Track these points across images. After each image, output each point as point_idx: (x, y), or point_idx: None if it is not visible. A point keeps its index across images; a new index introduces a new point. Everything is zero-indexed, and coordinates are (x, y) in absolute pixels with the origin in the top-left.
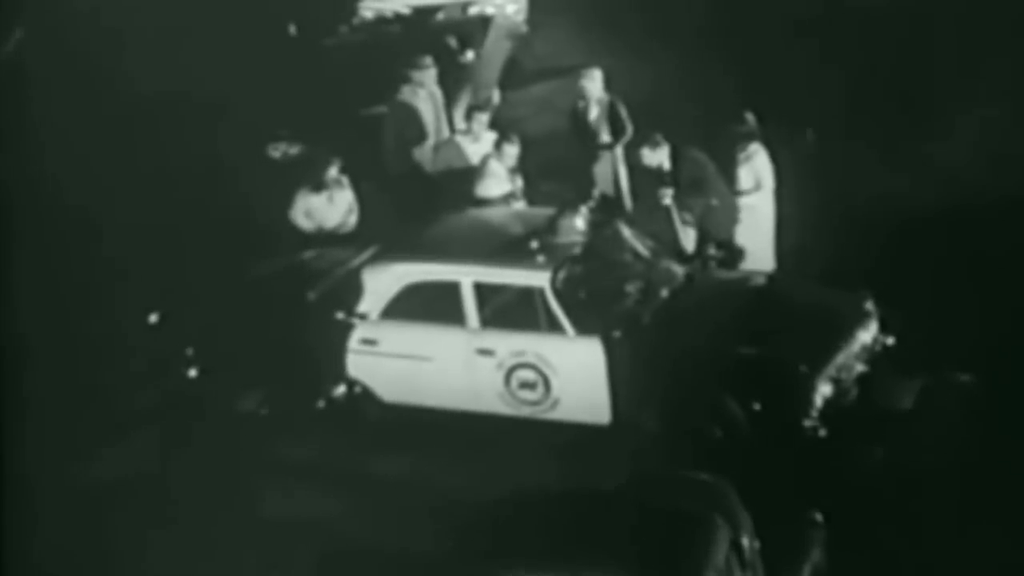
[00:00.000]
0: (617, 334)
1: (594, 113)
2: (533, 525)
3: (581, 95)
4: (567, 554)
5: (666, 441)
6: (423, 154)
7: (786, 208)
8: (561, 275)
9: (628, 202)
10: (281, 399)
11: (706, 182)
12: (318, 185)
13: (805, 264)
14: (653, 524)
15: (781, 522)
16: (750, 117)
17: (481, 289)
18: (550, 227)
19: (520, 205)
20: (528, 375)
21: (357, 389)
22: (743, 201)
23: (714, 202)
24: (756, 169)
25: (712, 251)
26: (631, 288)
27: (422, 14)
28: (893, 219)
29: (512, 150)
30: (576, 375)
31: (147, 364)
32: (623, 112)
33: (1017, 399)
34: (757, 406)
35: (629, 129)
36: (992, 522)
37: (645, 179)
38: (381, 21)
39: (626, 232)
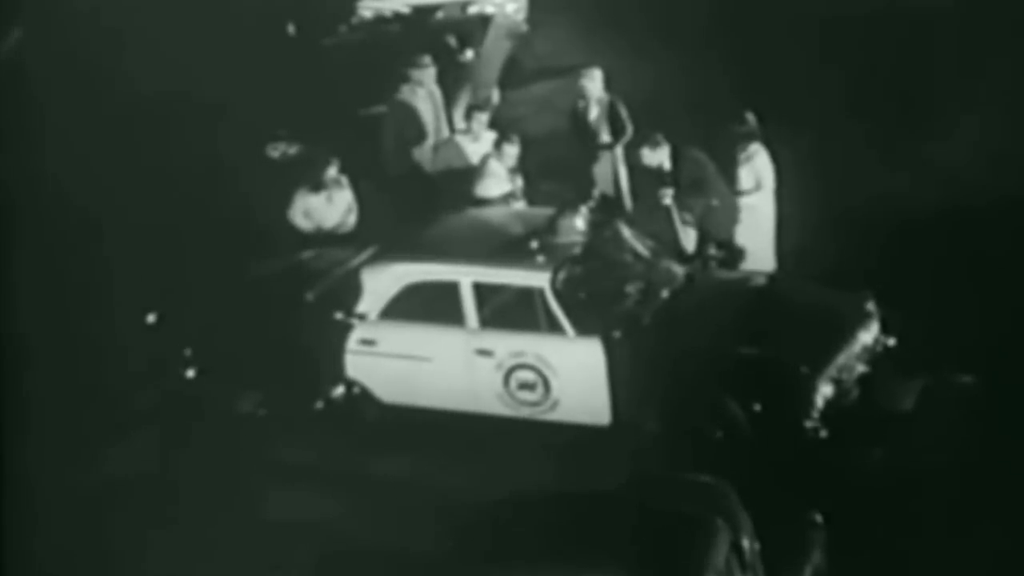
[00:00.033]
0: (617, 335)
1: (594, 113)
2: (533, 526)
3: (581, 95)
4: (567, 555)
5: (666, 442)
6: (422, 154)
7: (787, 208)
8: (561, 275)
9: (628, 202)
10: (280, 400)
11: (706, 182)
12: (317, 185)
13: (806, 264)
14: (653, 525)
15: (781, 523)
16: (751, 117)
17: (480, 289)
18: (550, 227)
19: (520, 205)
20: (527, 376)
21: (356, 390)
22: (743, 201)
23: (714, 202)
24: (757, 169)
25: (712, 251)
26: (631, 288)
27: (421, 13)
28: (894, 219)
29: (512, 150)
30: (576, 376)
31: (145, 365)
32: (623, 112)
33: (1018, 400)
34: (758, 407)
35: (629, 129)
36: (993, 522)
37: (645, 179)
38: (380, 20)
39: (626, 232)
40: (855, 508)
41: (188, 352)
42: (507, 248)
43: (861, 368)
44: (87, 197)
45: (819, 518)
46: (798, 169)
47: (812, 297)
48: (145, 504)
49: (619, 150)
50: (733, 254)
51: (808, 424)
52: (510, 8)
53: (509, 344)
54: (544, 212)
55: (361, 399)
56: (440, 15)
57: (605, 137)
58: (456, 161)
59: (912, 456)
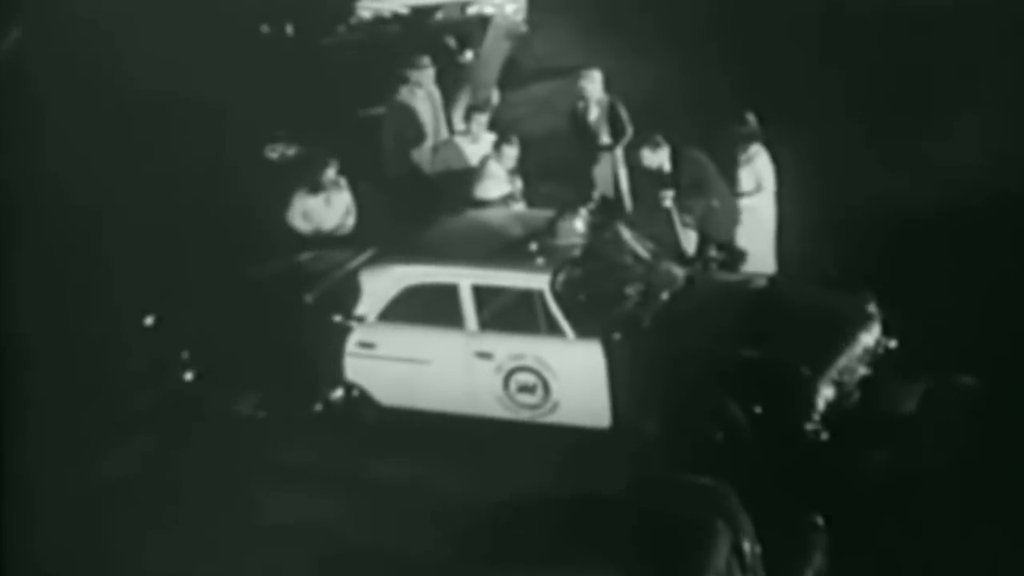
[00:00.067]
0: (617, 337)
1: (594, 114)
2: (533, 529)
3: (581, 96)
4: (567, 558)
5: (666, 444)
6: (421, 155)
7: (787, 210)
8: (561, 277)
9: (628, 204)
10: (278, 402)
11: (707, 183)
12: (315, 186)
13: (807, 266)
14: (653, 528)
15: (782, 526)
16: (751, 118)
17: (480, 291)
18: (549, 229)
19: (519, 207)
20: (527, 378)
21: (355, 392)
22: (744, 203)
23: (715, 204)
24: (757, 170)
25: (713, 253)
26: (631, 291)
27: (420, 14)
28: (895, 221)
29: (511, 151)
30: (576, 378)
31: (145, 366)
32: (623, 113)
33: (1020, 402)
34: (758, 409)
35: (629, 130)
36: (995, 525)
37: (645, 180)
38: (379, 21)
39: (626, 234)
40: (856, 510)
41: (185, 355)
42: (506, 250)
43: (862, 370)
44: (86, 197)
45: (820, 520)
46: (798, 170)
47: (813, 299)
48: (144, 505)
49: (619, 151)
50: (734, 256)
51: (809, 426)
52: (509, 9)
53: (509, 346)
54: (544, 214)
55: (360, 402)
56: (439, 16)
57: (605, 138)
58: (455, 162)
59: (914, 458)
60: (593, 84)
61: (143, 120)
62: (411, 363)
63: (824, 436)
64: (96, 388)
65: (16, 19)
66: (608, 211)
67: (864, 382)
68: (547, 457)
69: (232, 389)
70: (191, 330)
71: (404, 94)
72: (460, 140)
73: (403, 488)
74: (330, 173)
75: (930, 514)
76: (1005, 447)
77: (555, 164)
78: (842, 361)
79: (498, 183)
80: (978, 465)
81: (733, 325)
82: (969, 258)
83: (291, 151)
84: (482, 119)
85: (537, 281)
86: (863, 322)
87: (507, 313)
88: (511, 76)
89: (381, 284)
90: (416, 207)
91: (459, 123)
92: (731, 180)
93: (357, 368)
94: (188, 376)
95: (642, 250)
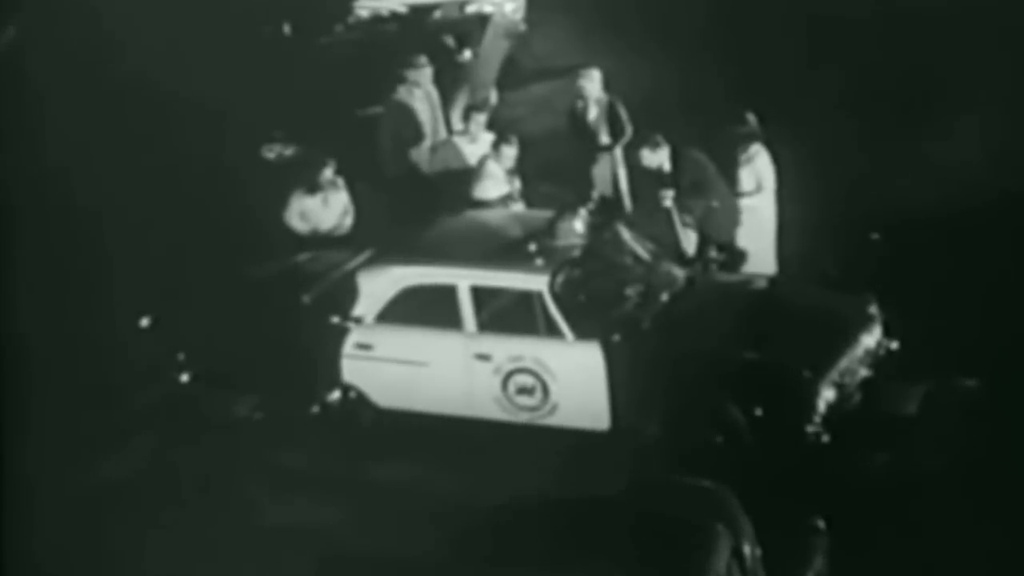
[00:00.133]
0: (617, 338)
1: (593, 114)
2: (532, 532)
3: (580, 95)
4: (566, 561)
5: (666, 447)
6: (420, 155)
7: (788, 210)
8: (560, 278)
9: (628, 204)
10: (275, 404)
11: (707, 184)
12: (313, 187)
13: (807, 267)
14: (653, 531)
15: (783, 529)
16: (751, 118)
17: (478, 293)
18: (549, 230)
19: (518, 207)
20: (526, 380)
21: (352, 394)
22: (744, 203)
23: (715, 204)
24: (757, 170)
25: (713, 254)
26: (631, 292)
27: (419, 12)
28: (895, 221)
29: (510, 151)
30: (575, 380)
31: (143, 367)
32: (623, 113)
33: (1021, 403)
34: (759, 411)
35: (629, 130)
36: (996, 526)
37: (645, 181)
38: (377, 20)
39: (626, 235)
40: (857, 513)
41: (181, 357)
42: (505, 251)
43: (863, 372)
44: (82, 197)
45: (821, 523)
46: (799, 170)
47: (814, 300)
48: (144, 506)
49: (618, 151)
50: (734, 256)
51: (810, 429)
52: (508, 8)
53: (507, 348)
54: (543, 214)
55: (357, 403)
56: (438, 14)
57: (604, 138)
58: (454, 162)
59: (915, 460)
60: (592, 83)
61: (140, 120)
62: (409, 365)
63: (825, 438)
64: (96, 388)
65: (12, 18)
66: (607, 211)
67: (865, 384)
68: (546, 459)
69: (229, 391)
70: (187, 331)
71: (402, 94)
72: (458, 140)
73: (401, 490)
74: (327, 173)
75: (931, 516)
76: (1006, 449)
77: (554, 164)
78: (843, 363)
79: (497, 183)
80: (979, 467)
81: (733, 326)
82: (970, 259)
83: (288, 151)
84: (481, 119)
85: (536, 282)
86: (864, 323)
87: (506, 314)
88: (510, 75)
89: (379, 285)
90: (414, 207)
91: (457, 123)
92: (731, 180)
93: (355, 370)
94: (184, 378)
95: (642, 251)
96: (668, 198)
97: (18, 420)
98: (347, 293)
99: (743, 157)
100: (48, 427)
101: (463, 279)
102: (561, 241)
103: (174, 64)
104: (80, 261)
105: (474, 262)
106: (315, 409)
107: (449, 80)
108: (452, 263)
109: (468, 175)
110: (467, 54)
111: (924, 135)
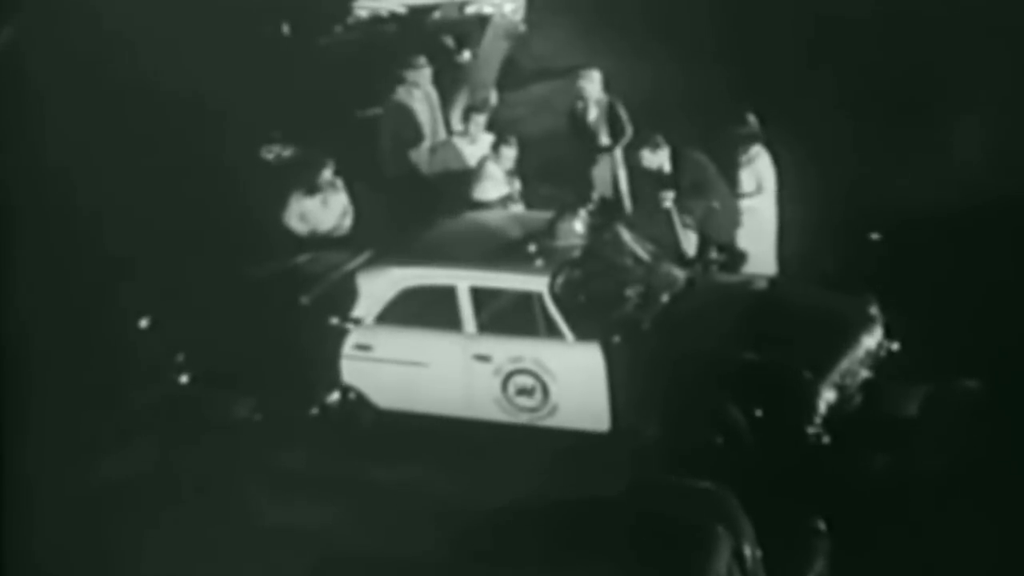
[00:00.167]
0: (617, 339)
1: (593, 114)
2: (532, 533)
3: (580, 96)
4: (566, 562)
5: (666, 448)
6: (419, 156)
7: (788, 211)
8: (560, 279)
9: (628, 205)
10: (274, 405)
11: (707, 184)
12: (312, 188)
13: (808, 267)
14: (653, 532)
15: (783, 530)
16: (752, 118)
17: (478, 294)
18: (548, 230)
19: (518, 208)
20: (526, 381)
21: (351, 395)
22: (745, 204)
23: (715, 205)
24: (758, 171)
25: (713, 255)
26: (631, 292)
27: (418, 13)
28: (896, 221)
29: (510, 152)
30: (575, 381)
31: (142, 368)
32: (623, 113)
33: (1021, 404)
34: (759, 412)
35: (629, 131)
36: (997, 527)
37: (645, 181)
38: (376, 20)
39: (626, 235)
40: (858, 514)
41: (180, 358)
42: (505, 252)
43: (864, 373)
44: (82, 197)
45: (822, 525)
46: (799, 171)
47: (815, 301)
48: (143, 507)
49: (618, 152)
50: (734, 257)
51: (811, 430)
52: (508, 8)
53: (507, 349)
54: (543, 215)
55: (357, 405)
56: (437, 15)
57: (604, 139)
58: (453, 163)
59: (916, 461)
60: (592, 84)
61: (140, 120)
62: (409, 366)
63: (825, 439)
64: (96, 388)
65: (12, 18)
66: (607, 212)
67: (866, 385)
68: (546, 460)
69: (229, 391)
70: (187, 332)
71: (401, 94)
72: (458, 141)
73: (400, 491)
74: (327, 174)
75: (931, 517)
76: (1006, 449)
77: (554, 165)
78: (844, 364)
79: (496, 184)
80: (979, 467)
81: (734, 327)
82: (970, 259)
83: (287, 152)
84: (480, 120)
85: (536, 283)
86: (865, 324)
87: (505, 315)
88: (509, 76)
89: (378, 286)
90: (414, 208)
91: (457, 124)
92: (732, 181)
93: (354, 371)
94: (184, 378)
95: (642, 252)
96: (668, 199)
97: (18, 420)
98: (346, 294)
99: (744, 158)
100: (48, 427)
101: (463, 280)
102: (561, 242)
103: (174, 64)
104: (80, 261)
105: (474, 263)
106: (315, 410)
107: (448, 81)
108: (452, 264)
109: (468, 176)
110: (466, 55)
111: (924, 135)
